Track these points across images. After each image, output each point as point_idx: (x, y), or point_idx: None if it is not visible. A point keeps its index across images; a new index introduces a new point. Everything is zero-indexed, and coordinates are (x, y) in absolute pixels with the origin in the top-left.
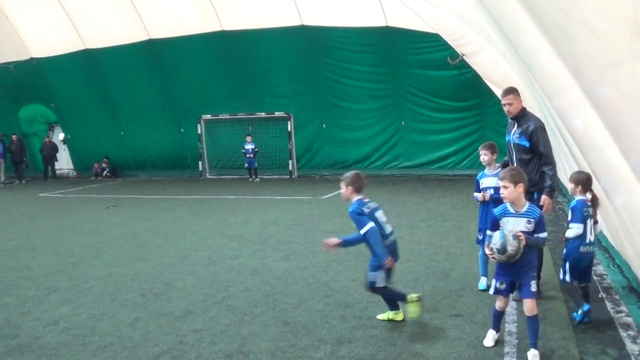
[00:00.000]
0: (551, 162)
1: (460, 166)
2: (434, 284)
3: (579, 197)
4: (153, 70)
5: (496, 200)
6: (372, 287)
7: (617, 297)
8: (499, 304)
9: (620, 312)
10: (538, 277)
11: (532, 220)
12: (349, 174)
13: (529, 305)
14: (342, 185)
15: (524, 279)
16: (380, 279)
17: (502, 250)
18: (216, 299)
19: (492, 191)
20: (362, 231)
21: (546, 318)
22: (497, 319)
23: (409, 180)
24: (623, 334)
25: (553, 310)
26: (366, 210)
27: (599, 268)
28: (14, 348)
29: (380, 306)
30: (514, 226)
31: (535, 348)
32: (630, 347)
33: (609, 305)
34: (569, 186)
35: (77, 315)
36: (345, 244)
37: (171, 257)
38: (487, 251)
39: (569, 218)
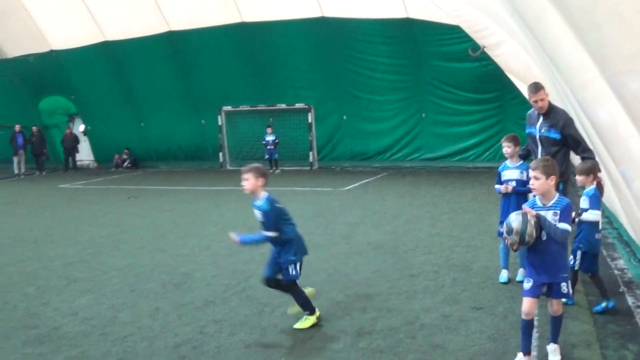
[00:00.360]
0: (589, 149)
1: (482, 158)
2: (455, 277)
3: (590, 186)
4: (173, 61)
5: (518, 192)
6: (294, 282)
7: (638, 291)
8: (523, 307)
9: None
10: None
11: (557, 211)
12: (256, 165)
13: (556, 307)
14: (251, 176)
15: (555, 279)
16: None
17: (509, 229)
18: (236, 289)
19: (514, 183)
20: (271, 234)
21: (567, 312)
22: (525, 334)
23: (430, 172)
24: None
25: (575, 304)
26: (281, 205)
27: (620, 262)
28: (33, 338)
29: (401, 298)
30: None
31: (555, 342)
32: None
33: (629, 299)
34: (579, 178)
35: (96, 306)
36: (246, 242)
37: (191, 248)
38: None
39: (586, 206)
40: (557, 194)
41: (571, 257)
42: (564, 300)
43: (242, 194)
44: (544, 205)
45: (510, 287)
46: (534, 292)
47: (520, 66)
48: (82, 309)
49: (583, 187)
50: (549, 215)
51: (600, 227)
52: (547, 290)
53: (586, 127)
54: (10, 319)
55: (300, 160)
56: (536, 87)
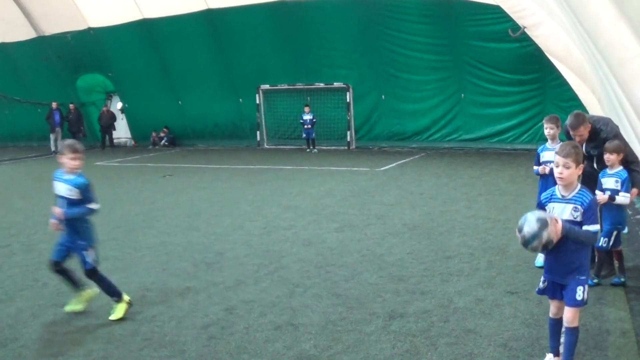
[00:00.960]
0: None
1: (520, 140)
2: (490, 259)
3: (619, 166)
4: (211, 40)
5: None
6: (95, 269)
7: None
8: (551, 308)
9: None
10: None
11: (579, 207)
12: (73, 141)
13: (569, 315)
14: (75, 155)
15: (569, 283)
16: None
17: (519, 228)
18: (268, 269)
19: (551, 164)
20: (96, 207)
21: (603, 297)
22: (553, 333)
23: (468, 154)
24: None
25: (611, 290)
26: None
27: None
28: (61, 317)
29: (435, 280)
30: (560, 214)
31: None
32: None
33: None
34: (611, 157)
35: (126, 284)
36: (69, 215)
37: (225, 227)
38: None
39: (617, 187)
40: (578, 185)
41: (604, 239)
42: (590, 282)
43: (279, 172)
44: (563, 197)
45: None
46: (551, 294)
47: (560, 48)
48: None
49: (611, 166)
50: (569, 210)
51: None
52: (561, 293)
53: (626, 109)
54: (39, 297)
55: (338, 140)
56: (575, 123)
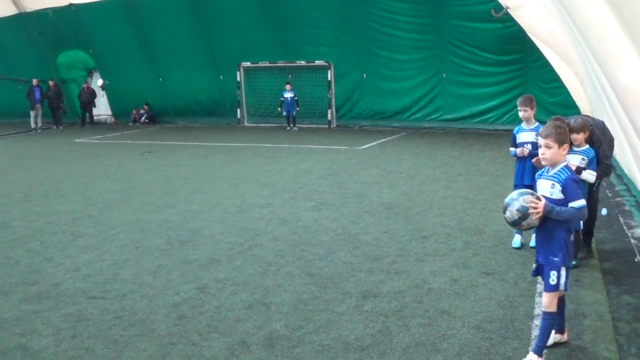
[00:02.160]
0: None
1: (501, 121)
2: (466, 240)
3: (585, 145)
4: (193, 16)
5: (534, 155)
6: None
7: None
8: None
9: None
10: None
11: (556, 184)
12: None
13: (544, 299)
14: None
15: (545, 265)
16: None
17: (504, 209)
18: (242, 247)
19: (530, 146)
20: None
21: (580, 280)
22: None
23: (449, 134)
24: None
25: (587, 272)
26: None
27: (637, 231)
28: (32, 295)
29: (410, 260)
30: (540, 189)
31: (537, 354)
32: None
33: None
34: (578, 136)
35: (99, 262)
36: None
37: (201, 204)
38: None
39: (584, 165)
40: (562, 163)
41: None
42: (573, 262)
43: (258, 150)
44: (547, 172)
45: (522, 252)
46: (541, 275)
47: (543, 29)
48: (85, 266)
49: (578, 146)
50: (548, 186)
51: None
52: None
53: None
54: (11, 275)
55: (319, 118)
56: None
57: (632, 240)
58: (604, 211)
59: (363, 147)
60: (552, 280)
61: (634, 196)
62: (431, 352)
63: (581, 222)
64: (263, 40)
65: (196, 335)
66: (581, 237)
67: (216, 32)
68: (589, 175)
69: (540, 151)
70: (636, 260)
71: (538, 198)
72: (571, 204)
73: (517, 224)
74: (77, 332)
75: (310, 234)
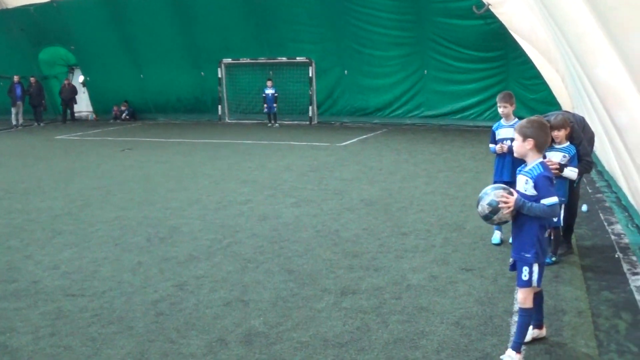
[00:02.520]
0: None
1: (482, 117)
2: (446, 236)
3: (566, 142)
4: (174, 13)
5: (513, 151)
6: None
7: (634, 258)
8: None
9: (637, 274)
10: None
11: (529, 180)
12: None
13: (518, 296)
14: None
15: (517, 261)
16: None
17: (477, 203)
18: (222, 244)
19: (509, 142)
20: None
21: (560, 276)
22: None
23: (430, 130)
24: (638, 297)
25: (567, 268)
26: None
27: (617, 227)
28: (11, 292)
29: (390, 256)
30: (518, 185)
31: (515, 350)
32: None
33: (625, 266)
34: (559, 133)
35: (79, 259)
36: None
37: (181, 201)
38: None
39: (565, 162)
40: (537, 160)
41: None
42: (548, 259)
43: (239, 147)
44: (523, 169)
45: (502, 248)
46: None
47: (524, 26)
48: (64, 263)
49: (559, 142)
50: (522, 182)
51: None
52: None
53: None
54: None
55: (300, 114)
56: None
57: (612, 237)
58: (584, 207)
59: (344, 143)
60: (524, 276)
61: (615, 192)
62: (410, 348)
63: (561, 218)
64: (244, 37)
65: (174, 332)
66: (561, 233)
67: (197, 29)
68: (571, 173)
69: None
70: (616, 256)
71: (511, 193)
72: (542, 201)
73: (488, 218)
74: (56, 329)
75: (290, 231)
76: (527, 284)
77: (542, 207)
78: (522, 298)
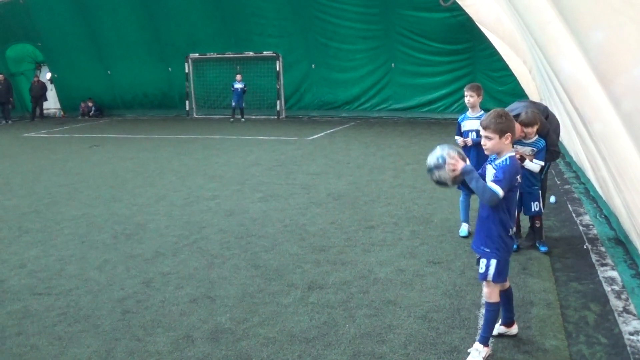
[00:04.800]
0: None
1: (450, 110)
2: (414, 229)
3: (535, 137)
4: (140, 8)
5: (478, 144)
6: None
7: (602, 249)
8: None
9: (605, 265)
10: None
11: (495, 168)
12: None
13: (484, 290)
14: None
15: (478, 253)
16: None
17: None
18: (188, 241)
19: (474, 135)
20: None
21: (528, 268)
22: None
23: (398, 123)
24: (607, 288)
25: (535, 260)
26: None
27: (585, 218)
28: None
29: (357, 250)
30: (487, 176)
31: (483, 344)
32: (614, 302)
33: (593, 257)
34: (532, 130)
35: (45, 258)
36: None
37: (148, 198)
38: None
39: (532, 153)
40: (509, 154)
41: (534, 202)
42: (542, 249)
43: (207, 142)
44: (494, 161)
45: (469, 241)
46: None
47: (491, 18)
48: (30, 261)
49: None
50: (491, 174)
51: None
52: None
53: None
54: None
55: (268, 109)
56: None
57: (581, 228)
58: (552, 199)
59: (311, 137)
60: (481, 268)
61: (583, 183)
62: (377, 342)
63: (541, 205)
64: (211, 32)
65: (140, 330)
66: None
67: (164, 24)
68: (533, 165)
69: (482, 141)
70: (585, 247)
71: (464, 158)
72: (490, 184)
73: (430, 170)
74: (22, 329)
75: (257, 226)
76: (483, 277)
77: (485, 187)
78: (488, 292)
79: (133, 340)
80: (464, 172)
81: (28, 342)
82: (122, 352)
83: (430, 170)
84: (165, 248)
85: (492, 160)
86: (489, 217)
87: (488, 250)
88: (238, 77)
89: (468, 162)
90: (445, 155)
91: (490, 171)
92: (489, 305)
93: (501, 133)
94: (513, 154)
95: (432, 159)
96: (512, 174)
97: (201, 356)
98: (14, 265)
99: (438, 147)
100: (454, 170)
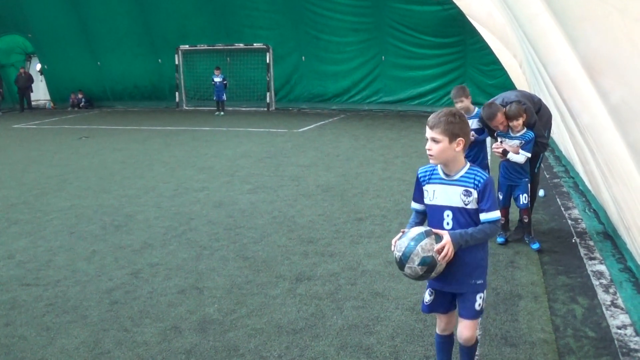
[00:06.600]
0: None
1: (440, 103)
2: (402, 221)
3: (522, 129)
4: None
5: (477, 143)
6: None
7: (591, 243)
8: (439, 323)
9: (594, 259)
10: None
11: (471, 190)
12: None
13: (467, 332)
14: None
15: (465, 290)
16: None
17: (400, 263)
18: (177, 232)
19: (472, 133)
20: None
21: (515, 261)
22: (444, 350)
23: (388, 116)
24: (595, 282)
25: (523, 253)
26: None
27: (574, 212)
28: None
29: (345, 242)
30: (444, 198)
31: None
32: (602, 296)
33: (582, 251)
34: (518, 122)
35: (34, 248)
36: None
37: (137, 189)
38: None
39: (519, 145)
40: (467, 163)
41: (523, 195)
42: (534, 246)
43: (196, 134)
44: (447, 176)
45: None
46: (443, 307)
47: (482, 11)
48: (19, 252)
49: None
50: (457, 195)
51: None
52: (453, 304)
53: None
54: None
55: (258, 101)
56: (490, 114)
57: (569, 222)
58: (541, 192)
59: (301, 129)
60: (478, 304)
61: (572, 177)
62: (364, 334)
63: (529, 199)
64: (201, 23)
65: (129, 321)
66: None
67: (154, 16)
68: (517, 157)
69: (427, 146)
70: (573, 241)
71: (438, 236)
72: (485, 216)
73: (424, 278)
74: (10, 319)
75: (246, 218)
76: (481, 313)
77: (486, 228)
78: (471, 334)
79: (121, 330)
80: (458, 245)
81: (16, 333)
82: (110, 342)
83: (425, 277)
84: (153, 239)
85: (431, 176)
86: (475, 246)
87: (481, 281)
88: (216, 71)
89: (446, 235)
90: (426, 253)
91: (457, 191)
92: (472, 347)
93: (452, 136)
94: (468, 165)
95: (415, 271)
96: (493, 184)
97: (189, 347)
98: (2, 256)
99: (407, 253)
100: (447, 256)
